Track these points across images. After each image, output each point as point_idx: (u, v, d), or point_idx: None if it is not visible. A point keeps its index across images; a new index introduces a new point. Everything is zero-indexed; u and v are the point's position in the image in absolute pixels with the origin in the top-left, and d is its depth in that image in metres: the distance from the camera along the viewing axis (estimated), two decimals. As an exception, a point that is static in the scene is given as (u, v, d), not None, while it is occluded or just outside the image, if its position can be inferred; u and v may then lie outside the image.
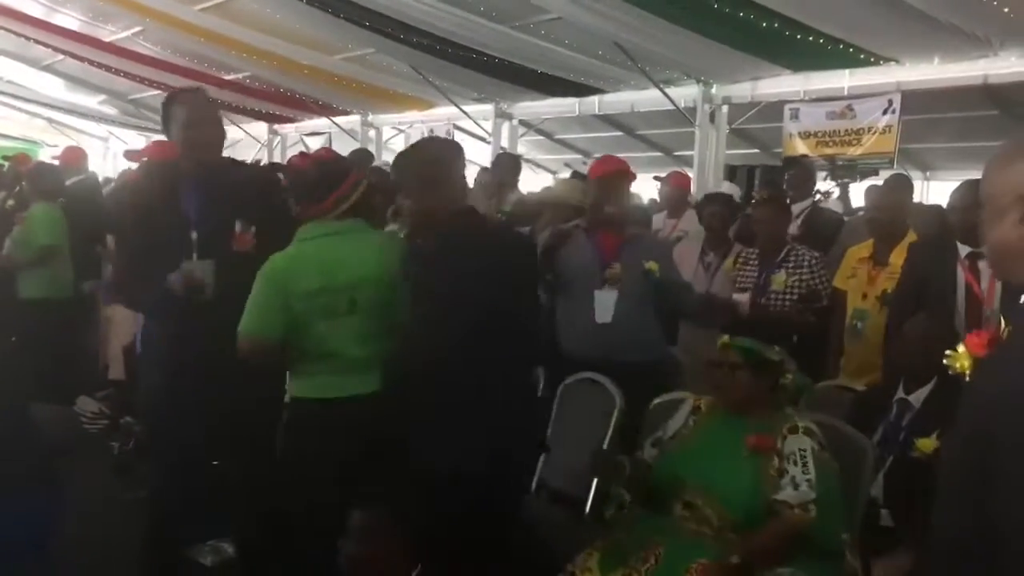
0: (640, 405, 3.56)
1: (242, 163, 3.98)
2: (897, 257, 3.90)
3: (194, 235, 3.14)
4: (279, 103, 14.02)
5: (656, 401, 3.51)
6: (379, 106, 13.34)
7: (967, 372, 1.70)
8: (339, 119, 14.22)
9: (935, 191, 10.76)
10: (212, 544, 3.68)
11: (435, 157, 2.99)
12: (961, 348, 1.74)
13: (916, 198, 7.54)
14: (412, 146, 3.29)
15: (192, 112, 3.22)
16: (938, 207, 5.80)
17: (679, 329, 4.69)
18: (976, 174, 4.95)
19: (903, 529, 3.01)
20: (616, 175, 4.06)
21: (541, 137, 13.15)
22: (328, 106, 13.64)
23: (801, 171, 6.03)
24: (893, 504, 3.07)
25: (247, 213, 3.19)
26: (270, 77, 12.38)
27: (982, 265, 3.47)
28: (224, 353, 2.91)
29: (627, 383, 3.65)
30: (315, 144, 12.62)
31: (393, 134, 14.17)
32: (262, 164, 7.04)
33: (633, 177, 4.17)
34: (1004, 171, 1.57)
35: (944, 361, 1.78)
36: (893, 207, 4.16)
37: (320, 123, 14.84)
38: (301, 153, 3.90)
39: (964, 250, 3.53)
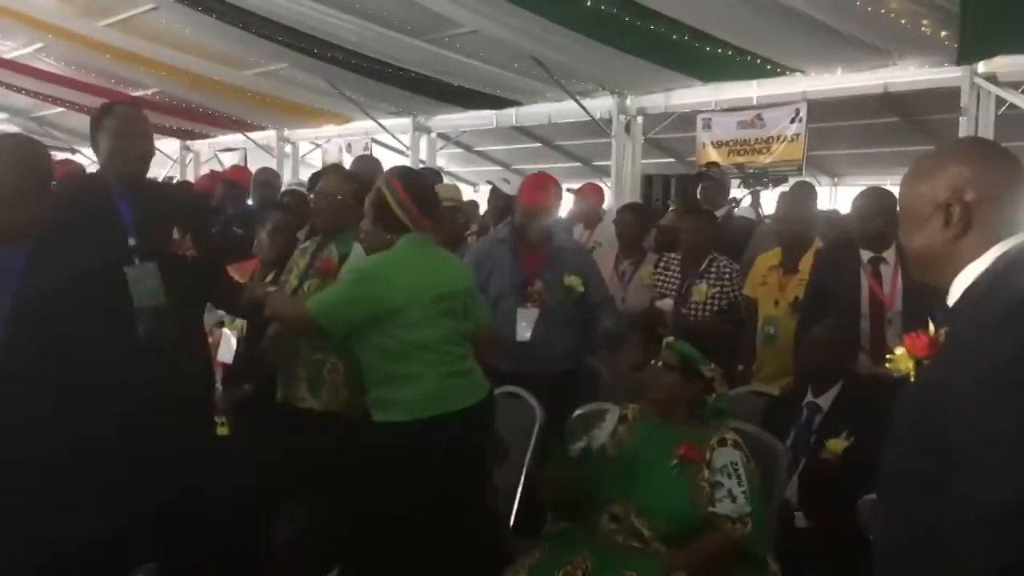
0: (558, 416, 3.58)
1: (166, 181, 3.99)
2: (806, 264, 4.01)
3: (132, 240, 3.09)
4: (191, 119, 13.73)
5: (579, 412, 3.53)
6: (295, 121, 13.18)
7: (911, 373, 1.73)
8: (254, 134, 14.00)
9: (842, 197, 11.12)
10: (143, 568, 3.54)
11: None
12: (901, 351, 1.77)
13: (824, 205, 7.80)
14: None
15: (125, 123, 3.18)
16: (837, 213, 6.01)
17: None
18: (880, 180, 5.16)
19: (818, 530, 3.08)
20: (541, 207, 4.06)
21: (460, 150, 13.15)
22: (242, 121, 13.41)
23: (714, 184, 6.17)
24: (807, 506, 3.14)
25: (182, 224, 3.21)
26: (180, 93, 12.12)
27: (884, 269, 3.59)
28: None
29: (544, 395, 3.67)
30: (229, 160, 12.38)
31: (310, 149, 14.01)
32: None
33: (558, 205, 4.20)
34: (920, 183, 1.62)
35: (887, 364, 1.81)
36: (799, 214, 4.28)
37: (235, 139, 14.58)
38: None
39: (866, 255, 3.65)
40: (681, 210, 5.49)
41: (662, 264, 4.54)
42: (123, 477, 2.60)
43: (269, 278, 3.93)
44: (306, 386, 3.40)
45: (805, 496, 3.17)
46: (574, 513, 3.03)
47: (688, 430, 3.01)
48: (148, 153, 3.27)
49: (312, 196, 3.69)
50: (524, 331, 3.81)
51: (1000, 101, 7.85)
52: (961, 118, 7.95)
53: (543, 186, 4.12)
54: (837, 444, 3.19)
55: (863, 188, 3.92)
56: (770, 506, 2.99)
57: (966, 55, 7.57)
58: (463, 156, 13.59)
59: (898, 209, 1.70)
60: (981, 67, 7.75)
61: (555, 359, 3.90)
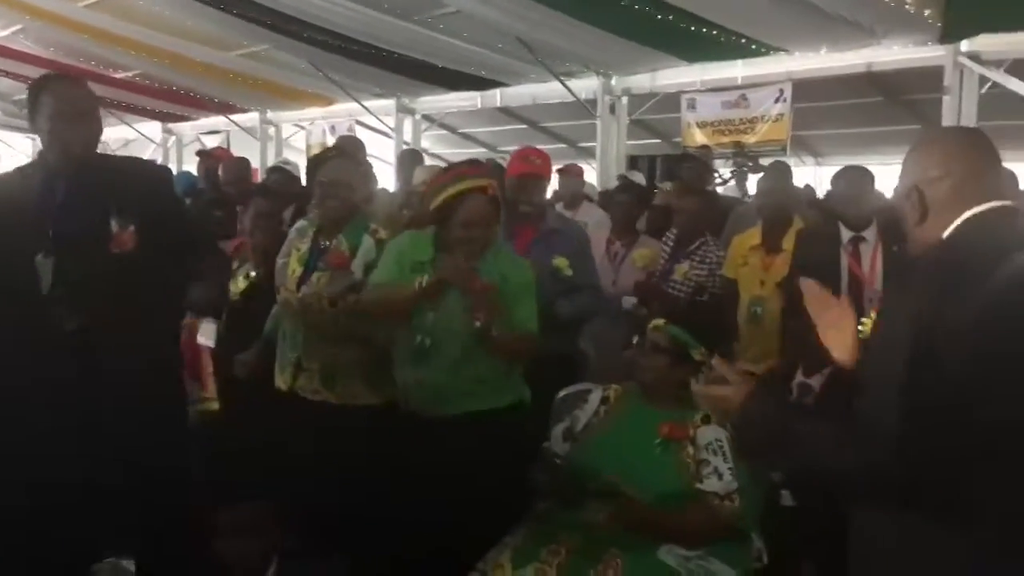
0: (547, 397, 3.57)
1: (127, 158, 3.73)
2: (788, 243, 4.01)
3: (50, 232, 2.81)
4: (173, 101, 13.62)
5: (562, 393, 3.53)
6: (278, 103, 13.09)
7: None
8: (237, 117, 13.89)
9: (825, 177, 11.14)
10: (111, 562, 3.54)
11: None
12: (869, 319, 1.91)
13: (811, 185, 7.81)
14: None
15: (63, 103, 2.82)
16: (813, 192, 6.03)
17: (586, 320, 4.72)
18: (864, 159, 5.16)
19: (804, 508, 3.10)
20: (531, 176, 4.04)
21: (444, 132, 13.10)
22: (225, 104, 13.30)
23: (698, 165, 6.17)
24: (794, 485, 3.16)
25: (126, 211, 2.85)
26: (163, 74, 12.01)
27: (863, 248, 3.61)
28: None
29: (532, 375, 3.66)
30: (212, 143, 12.28)
31: (293, 131, 13.92)
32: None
33: (549, 174, 4.17)
34: (899, 180, 1.82)
35: (859, 331, 1.93)
36: (782, 189, 4.28)
37: (217, 121, 14.46)
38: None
39: (847, 234, 3.66)
40: (680, 189, 5.45)
41: (664, 240, 4.52)
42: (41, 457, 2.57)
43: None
44: (320, 378, 3.35)
45: (792, 475, 3.18)
46: (563, 495, 3.03)
47: (671, 409, 3.01)
48: (92, 137, 2.91)
49: (316, 185, 3.46)
50: None
51: (983, 80, 7.87)
52: (945, 97, 7.98)
53: (531, 157, 4.11)
54: (827, 426, 3.21)
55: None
56: (757, 484, 3.01)
57: (950, 33, 7.59)
58: (448, 138, 13.53)
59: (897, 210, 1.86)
60: (965, 46, 7.77)
61: (545, 339, 3.87)
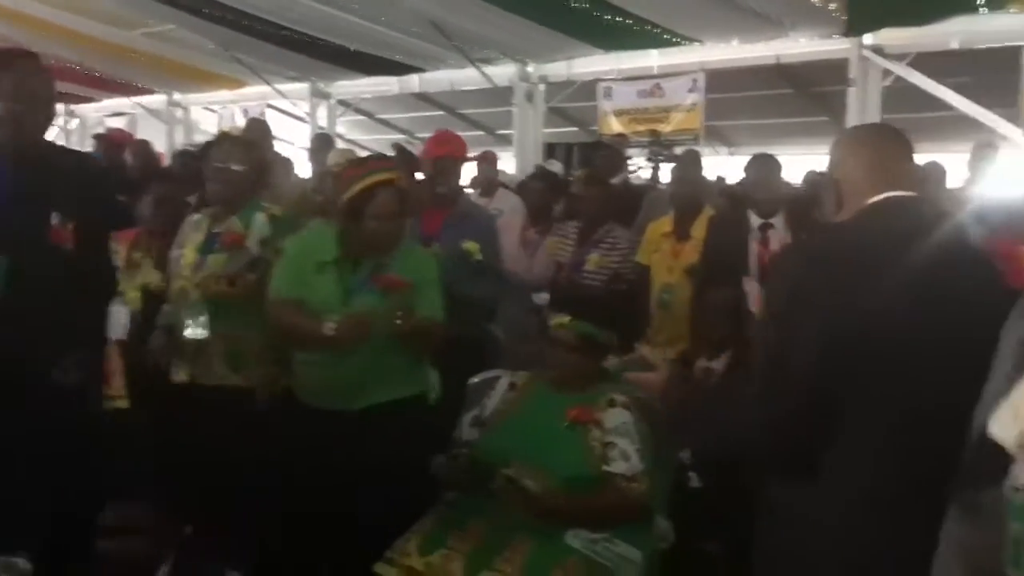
0: (460, 384, 3.55)
1: (68, 150, 3.52)
2: (698, 230, 4.07)
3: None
4: (75, 82, 13.07)
5: (474, 379, 3.51)
6: (186, 85, 12.71)
7: None
8: (143, 99, 13.46)
9: (738, 167, 11.36)
10: (3, 560, 3.39)
11: None
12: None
13: (722, 174, 7.95)
14: None
15: (23, 83, 2.71)
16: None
17: (499, 305, 4.70)
18: (774, 150, 5.26)
19: (710, 489, 3.15)
20: (449, 156, 4.01)
21: (361, 117, 12.93)
22: (130, 84, 12.86)
23: (611, 153, 6.21)
24: (701, 467, 3.21)
25: (67, 206, 2.78)
26: (63, 54, 11.52)
27: (772, 235, 3.68)
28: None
29: (443, 362, 3.63)
30: (118, 126, 11.87)
31: (203, 115, 13.55)
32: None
33: (466, 158, 4.15)
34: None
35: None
36: (693, 177, 4.34)
37: (122, 103, 13.99)
38: None
39: (757, 221, 3.73)
40: (584, 178, 5.47)
41: (561, 232, 4.54)
42: None
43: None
44: (224, 362, 3.26)
45: (699, 457, 3.23)
46: (471, 482, 3.01)
47: (578, 393, 3.03)
48: (45, 119, 2.83)
49: (206, 169, 3.38)
50: None
51: (887, 73, 8.11)
52: (850, 89, 8.20)
53: (449, 139, 4.08)
54: (731, 407, 3.27)
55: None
56: (663, 466, 3.04)
57: (854, 27, 7.79)
58: (364, 124, 13.36)
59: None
60: (868, 39, 7.98)
61: (455, 322, 3.84)
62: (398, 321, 2.89)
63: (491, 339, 4.31)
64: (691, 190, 4.24)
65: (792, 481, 1.74)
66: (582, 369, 3.09)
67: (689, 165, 4.53)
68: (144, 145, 5.86)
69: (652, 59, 9.01)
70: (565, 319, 3.10)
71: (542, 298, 4.33)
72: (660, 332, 4.11)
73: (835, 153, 1.88)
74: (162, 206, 3.86)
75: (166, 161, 7.37)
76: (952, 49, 7.56)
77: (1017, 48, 7.33)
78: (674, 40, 8.35)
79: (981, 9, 7.05)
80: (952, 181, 6.40)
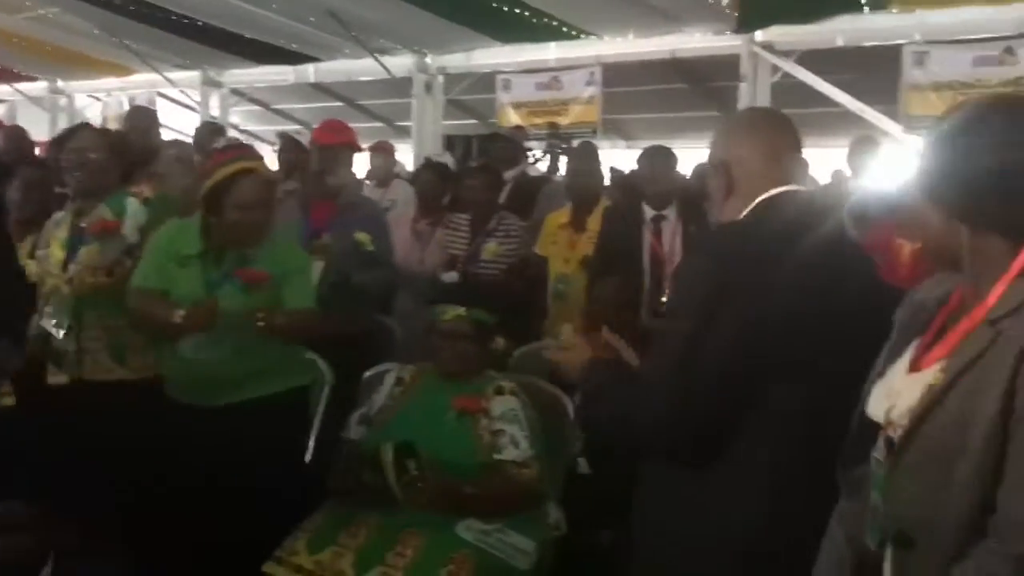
0: (353, 378, 3.49)
1: None
2: (594, 222, 4.09)
3: None
4: (-52, 66, 12.42)
5: (366, 375, 3.46)
6: (70, 71, 12.16)
7: None
8: (23, 85, 12.83)
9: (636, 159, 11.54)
10: None
11: None
12: None
13: (619, 167, 8.04)
14: None
15: None
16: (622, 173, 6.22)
17: (395, 297, 4.65)
18: (669, 142, 5.36)
19: (601, 475, 3.17)
20: (339, 145, 3.93)
21: (256, 107, 12.62)
22: (8, 70, 12.23)
23: (508, 144, 6.21)
24: (590, 453, 3.23)
25: None
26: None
27: (665, 227, 3.73)
28: None
29: (335, 355, 3.56)
30: (-5, 113, 11.30)
31: (88, 103, 13.00)
32: None
33: (358, 147, 4.07)
34: (709, 156, 1.88)
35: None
36: (590, 169, 4.36)
37: (1, 90, 13.30)
38: None
39: (650, 213, 3.77)
40: (472, 170, 5.45)
41: (451, 225, 4.51)
42: None
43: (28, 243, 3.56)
44: (108, 355, 3.12)
45: (589, 444, 3.25)
46: (354, 478, 2.95)
47: (465, 383, 3.03)
48: None
49: (62, 157, 3.25)
50: None
51: (776, 69, 8.35)
52: (741, 84, 8.41)
53: (336, 128, 4.00)
54: (621, 396, 3.29)
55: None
56: (554, 451, 3.05)
57: (745, 24, 8.00)
58: (259, 114, 13.05)
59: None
60: (759, 36, 8.20)
61: (347, 316, 3.78)
62: (259, 323, 2.82)
63: (385, 332, 4.25)
64: (587, 182, 4.27)
65: (684, 468, 1.75)
66: (477, 361, 3.08)
67: (585, 157, 4.53)
68: (17, 130, 5.56)
69: (550, 52, 9.06)
70: (461, 311, 3.09)
71: (451, 276, 4.28)
72: (556, 323, 4.12)
73: (726, 137, 1.86)
74: (31, 192, 3.66)
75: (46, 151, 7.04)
76: (837, 47, 7.84)
77: (898, 47, 7.66)
78: (572, 33, 8.42)
79: (864, 8, 7.33)
80: (828, 174, 6.69)
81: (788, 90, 8.32)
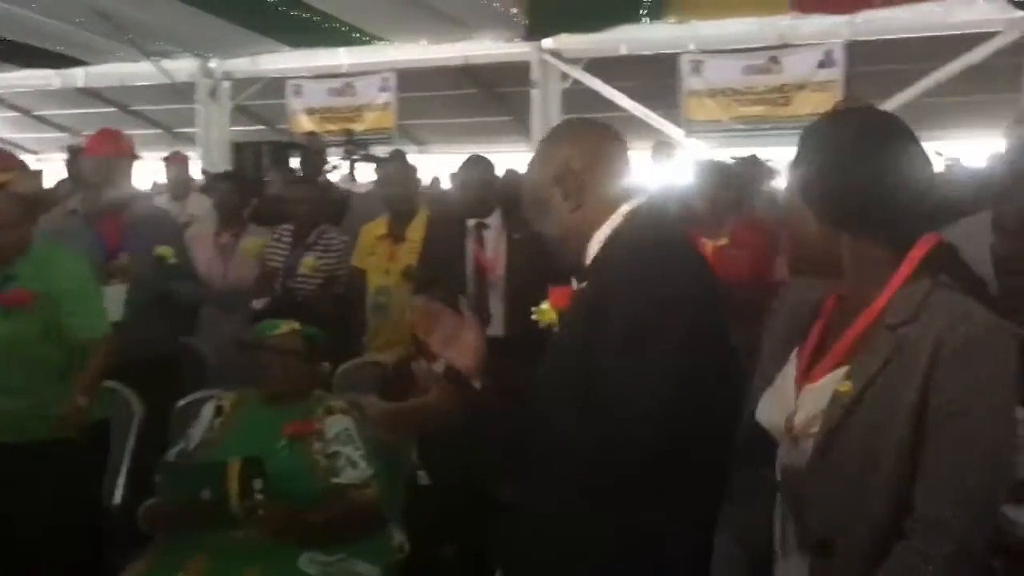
0: (161, 407, 3.25)
1: None
2: (414, 232, 4.04)
3: None
4: None
5: (180, 404, 3.23)
6: None
7: (555, 324, 1.88)
8: None
9: (429, 166, 11.57)
10: None
11: None
12: (546, 305, 1.95)
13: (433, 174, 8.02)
14: None
15: None
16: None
17: (200, 315, 4.38)
18: (464, 149, 5.40)
19: (442, 487, 3.14)
20: (115, 155, 3.64)
21: (16, 113, 11.60)
22: None
23: (310, 152, 6.03)
24: (429, 463, 3.19)
25: None
26: None
27: (487, 235, 3.74)
28: None
29: (142, 383, 3.31)
30: None
31: None
32: None
33: (135, 156, 3.79)
34: (536, 170, 1.71)
35: (532, 316, 1.94)
36: (406, 178, 4.31)
37: None
38: None
39: (471, 222, 3.77)
40: (288, 179, 5.25)
41: (275, 236, 4.32)
42: None
43: None
44: None
45: (425, 454, 3.21)
46: (181, 521, 2.75)
47: (292, 406, 2.88)
48: None
49: None
50: (114, 312, 3.37)
51: (565, 76, 8.64)
52: (532, 91, 8.65)
53: (111, 137, 3.71)
54: (454, 404, 3.28)
55: (449, 158, 4.03)
56: (392, 468, 2.98)
57: (534, 31, 8.23)
58: (21, 121, 12.00)
59: (528, 200, 1.76)
60: (547, 43, 8.47)
61: (151, 341, 3.52)
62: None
63: (194, 355, 4.00)
64: (403, 191, 4.20)
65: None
66: (306, 379, 2.93)
67: (399, 166, 4.46)
68: None
69: (341, 57, 8.94)
70: (296, 325, 2.94)
71: (261, 303, 4.10)
72: (376, 337, 4.04)
73: (567, 147, 1.68)
74: None
75: None
76: (622, 55, 8.22)
77: (675, 55, 8.14)
78: (363, 39, 8.33)
79: (643, 19, 7.73)
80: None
81: (577, 96, 8.64)
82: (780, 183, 5.32)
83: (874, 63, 7.44)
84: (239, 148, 9.24)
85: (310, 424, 2.81)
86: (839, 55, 7.56)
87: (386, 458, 2.92)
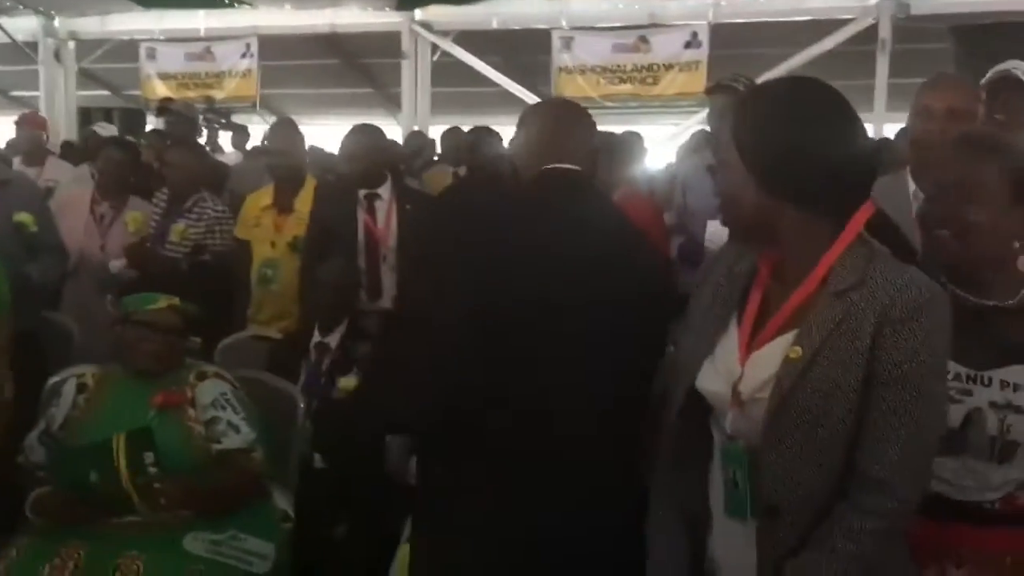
0: (21, 386, 3.02)
1: None
2: (302, 203, 3.90)
3: None
4: None
5: (49, 383, 3.01)
6: None
7: None
8: None
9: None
10: None
11: None
12: None
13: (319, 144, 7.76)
14: None
15: None
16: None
17: (66, 288, 4.09)
18: (328, 120, 5.27)
19: (335, 470, 3.07)
20: None
21: None
22: None
23: (180, 118, 5.69)
24: (323, 446, 3.11)
25: None
26: None
27: (379, 205, 3.66)
28: None
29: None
30: None
31: None
32: None
33: None
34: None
35: None
36: (293, 147, 4.14)
37: None
38: None
39: (362, 192, 3.68)
40: (171, 144, 4.93)
41: (154, 201, 4.09)
42: None
43: None
44: None
45: (320, 436, 3.13)
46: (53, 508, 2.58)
47: (163, 377, 2.74)
48: None
49: None
50: None
51: (435, 48, 8.56)
52: (403, 62, 8.53)
53: None
54: (348, 382, 3.19)
55: (313, 128, 3.91)
56: (288, 451, 2.88)
57: (405, 2, 8.11)
58: None
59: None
60: (418, 14, 8.36)
61: (17, 313, 3.26)
62: None
63: (58, 331, 3.74)
64: (289, 161, 4.03)
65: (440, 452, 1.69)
66: (172, 350, 2.78)
67: (284, 134, 4.27)
68: None
69: (199, 20, 8.55)
70: (174, 299, 2.79)
71: (117, 265, 3.86)
72: (262, 310, 3.88)
73: (517, 127, 1.90)
74: None
75: None
76: (493, 28, 8.20)
77: (547, 31, 8.18)
78: (224, 1, 7.98)
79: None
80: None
81: (447, 68, 8.58)
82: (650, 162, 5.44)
83: (736, 46, 7.70)
84: (87, 114, 8.69)
85: (181, 393, 2.67)
86: (704, 36, 7.78)
87: (267, 424, 2.82)
